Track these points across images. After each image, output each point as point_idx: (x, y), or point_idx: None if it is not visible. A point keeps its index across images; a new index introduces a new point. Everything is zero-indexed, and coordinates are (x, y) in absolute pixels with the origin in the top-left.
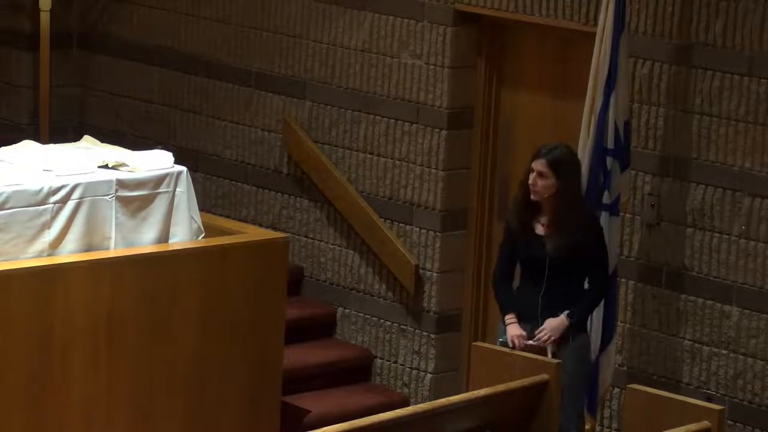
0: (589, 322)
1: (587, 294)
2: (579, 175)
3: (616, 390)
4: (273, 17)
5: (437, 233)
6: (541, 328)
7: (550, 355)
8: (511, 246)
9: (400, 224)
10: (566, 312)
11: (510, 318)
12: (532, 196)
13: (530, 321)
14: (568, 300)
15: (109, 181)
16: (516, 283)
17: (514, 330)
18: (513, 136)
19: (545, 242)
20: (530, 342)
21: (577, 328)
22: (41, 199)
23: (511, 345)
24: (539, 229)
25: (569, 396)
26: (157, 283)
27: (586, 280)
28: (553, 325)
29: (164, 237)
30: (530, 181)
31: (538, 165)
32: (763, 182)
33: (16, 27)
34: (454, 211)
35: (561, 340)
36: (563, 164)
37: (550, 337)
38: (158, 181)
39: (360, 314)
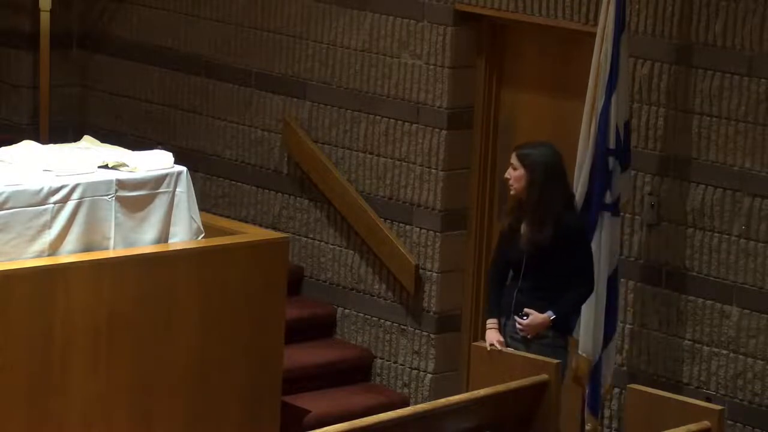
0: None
1: (568, 293)
2: (553, 171)
3: (617, 390)
4: (273, 17)
5: (437, 233)
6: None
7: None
8: (502, 247)
9: (400, 224)
10: (551, 311)
11: (489, 323)
12: (511, 191)
13: (506, 317)
14: (543, 298)
15: (109, 181)
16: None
17: (491, 336)
18: (513, 136)
19: (523, 239)
20: (508, 349)
21: (559, 327)
22: (41, 199)
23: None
24: (523, 228)
25: None
26: (157, 283)
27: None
28: (533, 322)
29: (164, 237)
30: (506, 174)
31: (512, 157)
32: (763, 182)
33: (16, 27)
34: (454, 211)
35: (536, 338)
36: (533, 157)
37: (527, 334)
38: (158, 181)
39: (360, 314)
